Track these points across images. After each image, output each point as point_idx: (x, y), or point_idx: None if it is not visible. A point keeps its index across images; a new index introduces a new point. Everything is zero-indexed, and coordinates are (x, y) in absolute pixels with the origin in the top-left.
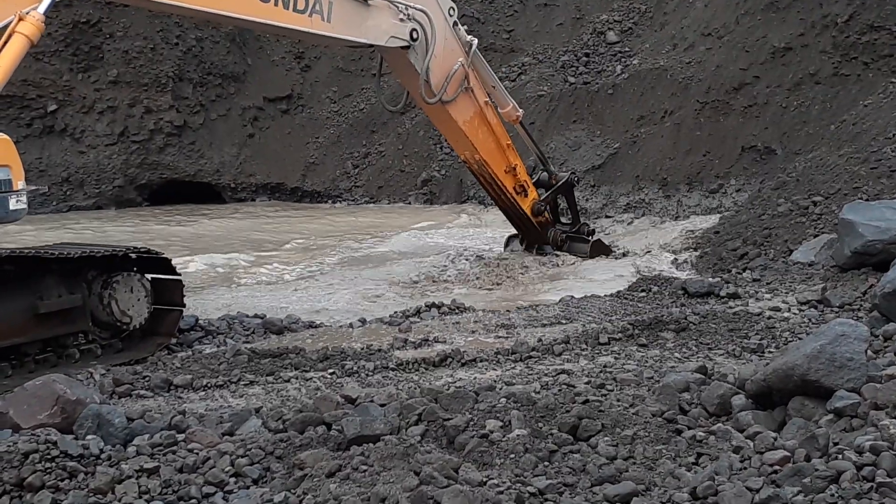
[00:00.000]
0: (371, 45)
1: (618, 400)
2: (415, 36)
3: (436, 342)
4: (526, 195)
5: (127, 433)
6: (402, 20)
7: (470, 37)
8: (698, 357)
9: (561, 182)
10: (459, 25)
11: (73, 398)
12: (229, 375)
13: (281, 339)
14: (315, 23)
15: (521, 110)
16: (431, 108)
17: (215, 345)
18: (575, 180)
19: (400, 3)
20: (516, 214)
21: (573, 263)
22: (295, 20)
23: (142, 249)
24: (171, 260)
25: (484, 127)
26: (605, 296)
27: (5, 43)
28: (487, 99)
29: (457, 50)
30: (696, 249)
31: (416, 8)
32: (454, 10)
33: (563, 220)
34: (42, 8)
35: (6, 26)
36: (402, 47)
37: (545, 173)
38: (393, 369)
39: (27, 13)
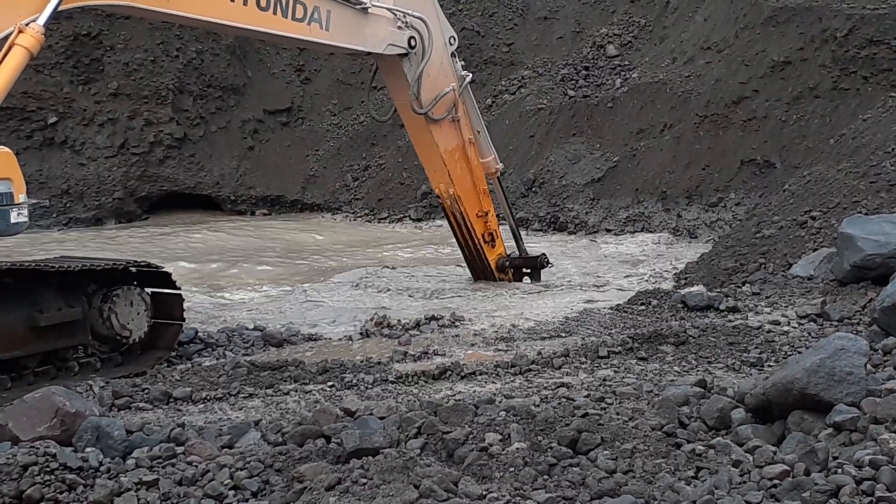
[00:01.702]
0: (369, 53)
1: (617, 413)
2: (412, 44)
3: (435, 355)
4: (493, 246)
5: (126, 446)
6: (400, 28)
7: (465, 72)
8: (698, 371)
9: (529, 258)
10: (457, 58)
11: (73, 410)
12: (229, 388)
13: (280, 351)
14: (313, 31)
15: (501, 164)
16: (415, 128)
17: (215, 357)
18: (545, 262)
19: (398, 10)
20: (479, 264)
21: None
22: (293, 29)
23: (142, 263)
24: (171, 274)
25: (464, 163)
26: (605, 309)
27: (5, 55)
28: (472, 138)
29: (450, 77)
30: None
31: (414, 16)
32: (454, 39)
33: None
34: (42, 20)
35: (6, 38)
36: (399, 55)
37: (516, 251)
38: (392, 382)
39: (27, 25)
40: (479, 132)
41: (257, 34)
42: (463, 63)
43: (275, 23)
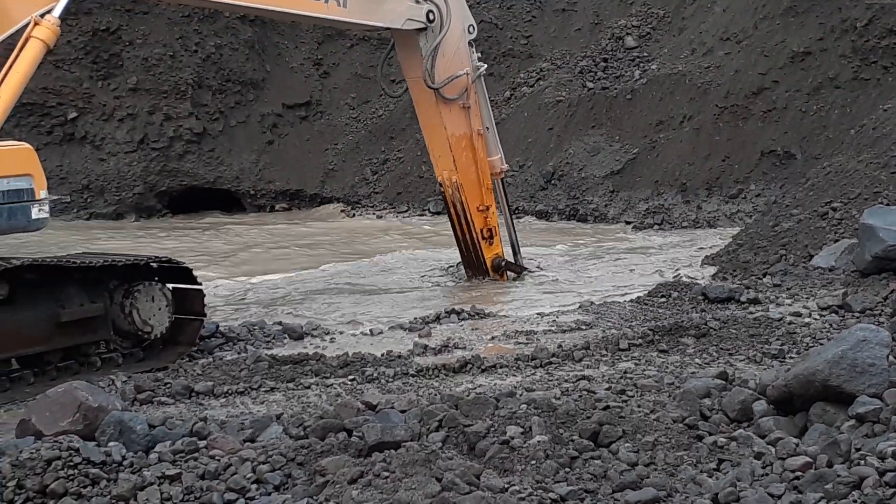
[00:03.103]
0: (388, 29)
1: (638, 406)
2: (431, 17)
3: (456, 348)
4: (491, 243)
5: (149, 440)
6: (418, 2)
7: (481, 63)
8: (719, 363)
9: (523, 265)
10: (474, 48)
11: (95, 405)
12: (250, 382)
13: (301, 345)
14: (331, 8)
15: (507, 165)
16: (425, 109)
17: (236, 351)
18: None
19: None
20: (475, 261)
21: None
22: (311, 7)
23: (163, 259)
24: (192, 270)
25: (470, 153)
26: (625, 301)
27: (21, 48)
28: (482, 130)
29: (465, 62)
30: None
31: None
32: (473, 28)
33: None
34: (57, 11)
35: (23, 29)
36: (417, 29)
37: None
38: (413, 375)
39: (42, 17)
40: (487, 128)
41: (274, 14)
42: (480, 55)
43: (292, 2)
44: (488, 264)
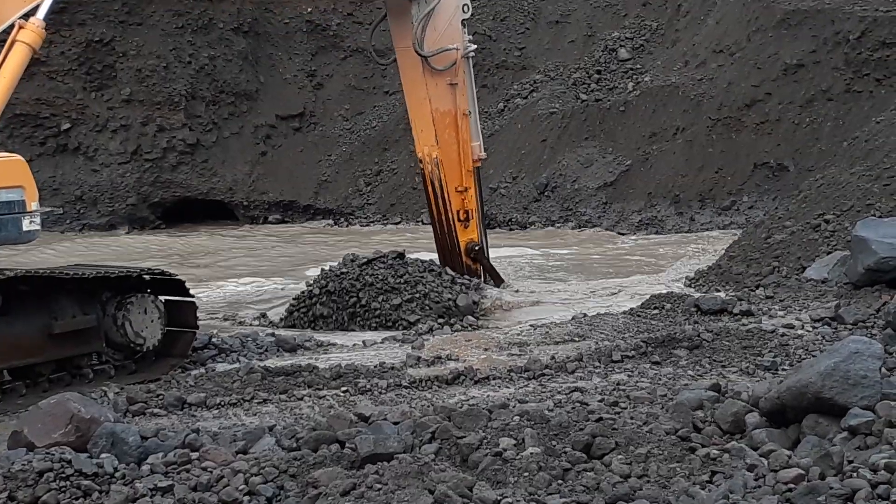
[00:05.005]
0: None
1: (631, 418)
2: None
3: (449, 360)
4: (466, 227)
5: (141, 451)
6: None
7: (472, 44)
8: (712, 375)
9: (495, 272)
10: (466, 28)
11: (88, 417)
12: (243, 393)
13: (294, 357)
14: None
15: (485, 153)
16: (411, 80)
17: (229, 363)
18: (504, 288)
19: None
20: (448, 244)
21: None
22: None
23: (156, 271)
24: (185, 282)
25: (453, 132)
26: (618, 313)
27: (7, 53)
28: (466, 112)
29: (457, 39)
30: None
31: None
32: (468, 7)
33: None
34: (41, 13)
35: (10, 29)
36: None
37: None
38: (406, 387)
39: (27, 20)
40: (470, 112)
41: None
42: (472, 39)
43: None
44: (461, 247)
